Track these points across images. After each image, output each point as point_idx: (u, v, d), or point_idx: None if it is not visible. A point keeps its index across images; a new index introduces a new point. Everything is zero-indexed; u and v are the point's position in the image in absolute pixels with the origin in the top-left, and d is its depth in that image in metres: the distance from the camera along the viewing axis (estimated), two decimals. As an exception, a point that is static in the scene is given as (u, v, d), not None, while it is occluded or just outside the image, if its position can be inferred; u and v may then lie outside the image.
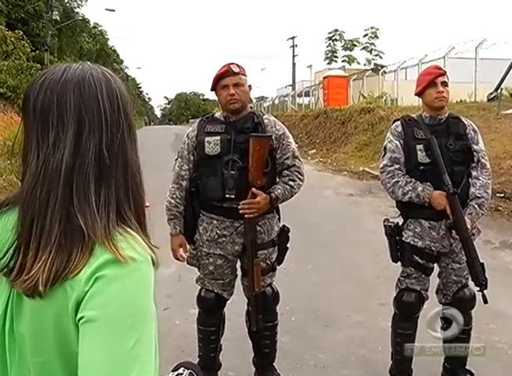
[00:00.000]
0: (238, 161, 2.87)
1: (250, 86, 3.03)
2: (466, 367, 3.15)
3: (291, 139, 3.09)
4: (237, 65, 2.95)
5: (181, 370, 1.08)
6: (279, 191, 2.96)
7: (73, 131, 0.92)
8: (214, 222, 2.98)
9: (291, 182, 3.00)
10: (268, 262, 3.04)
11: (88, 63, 1.00)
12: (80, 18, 35.40)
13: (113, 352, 0.83)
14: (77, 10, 35.76)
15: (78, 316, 0.87)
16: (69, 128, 0.91)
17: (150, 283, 0.92)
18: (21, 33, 22.58)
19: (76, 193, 0.90)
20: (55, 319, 0.90)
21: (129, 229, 0.94)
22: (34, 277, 0.88)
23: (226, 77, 2.90)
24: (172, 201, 3.03)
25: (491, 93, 15.59)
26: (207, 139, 2.94)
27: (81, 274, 0.88)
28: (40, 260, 0.89)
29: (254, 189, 2.84)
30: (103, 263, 0.88)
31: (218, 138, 2.91)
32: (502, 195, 8.09)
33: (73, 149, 0.91)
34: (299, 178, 3.03)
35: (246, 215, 2.87)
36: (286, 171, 3.01)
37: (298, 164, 3.05)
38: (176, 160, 3.07)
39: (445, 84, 2.98)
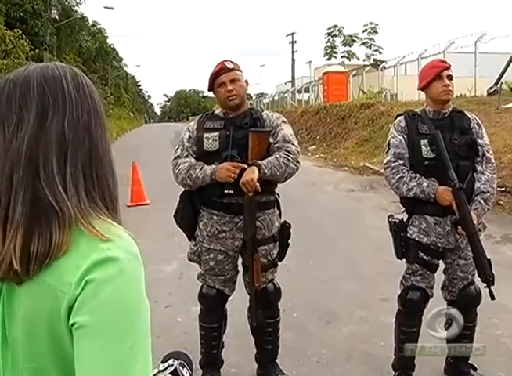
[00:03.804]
0: (236, 157, 2.86)
1: (246, 81, 3.04)
2: (470, 362, 3.15)
3: (285, 126, 3.01)
4: (231, 61, 2.96)
5: (171, 362, 1.08)
6: (265, 161, 2.84)
7: (37, 112, 0.93)
8: (214, 217, 2.97)
9: (280, 156, 2.87)
10: (269, 257, 3.03)
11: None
12: (79, 16, 35.30)
13: (112, 356, 0.83)
14: (75, 8, 35.64)
15: (71, 322, 0.86)
16: (31, 110, 0.93)
17: (141, 280, 0.91)
18: (20, 32, 22.48)
19: (42, 170, 0.91)
20: (47, 323, 0.89)
21: (114, 224, 0.94)
22: (5, 255, 0.88)
23: (222, 75, 2.90)
24: (185, 165, 2.93)
25: (491, 87, 15.57)
26: (205, 135, 2.94)
27: (70, 277, 0.86)
28: (8, 236, 0.88)
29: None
30: (92, 265, 0.86)
31: (217, 134, 2.91)
32: (503, 189, 8.07)
33: (36, 128, 0.92)
34: (288, 155, 2.88)
35: (248, 194, 2.80)
36: (276, 152, 2.91)
37: (289, 148, 2.92)
38: (176, 149, 3.06)
39: (450, 77, 2.96)
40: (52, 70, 0.97)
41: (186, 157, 2.98)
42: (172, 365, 1.06)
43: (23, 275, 0.88)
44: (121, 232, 0.93)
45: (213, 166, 2.86)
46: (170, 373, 1.05)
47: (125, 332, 0.85)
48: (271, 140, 2.94)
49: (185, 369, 1.08)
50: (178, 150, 3.04)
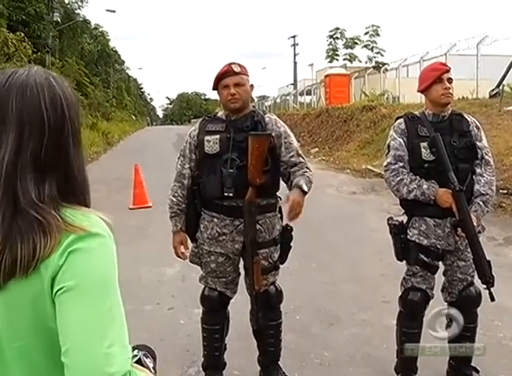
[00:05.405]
0: (236, 160, 2.87)
1: (252, 86, 3.03)
2: (472, 364, 3.14)
3: (293, 138, 3.08)
4: (239, 65, 2.95)
5: (135, 352, 1.14)
6: (303, 181, 2.92)
7: (16, 133, 0.99)
8: (215, 220, 2.98)
9: (307, 173, 2.98)
10: (270, 260, 3.03)
11: (36, 67, 1.07)
12: (81, 19, 35.43)
13: (92, 314, 0.93)
14: (77, 11, 35.77)
15: (55, 289, 0.94)
16: (11, 130, 0.99)
17: (115, 256, 1.01)
18: (22, 35, 22.49)
19: (20, 189, 0.97)
20: (31, 302, 0.96)
21: (86, 209, 1.04)
22: None
23: (227, 77, 2.90)
24: (174, 199, 3.05)
25: (493, 90, 15.58)
26: (206, 137, 2.95)
27: (52, 253, 0.94)
28: None
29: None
30: (75, 239, 0.96)
31: (218, 137, 2.92)
32: (505, 191, 8.05)
33: (14, 151, 0.98)
34: (310, 171, 3.01)
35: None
36: (295, 167, 2.99)
37: (304, 161, 3.04)
38: (178, 158, 3.08)
39: (450, 80, 2.97)
40: (31, 89, 1.01)
41: (184, 177, 3.04)
42: (136, 355, 1.13)
43: None
44: (94, 215, 1.03)
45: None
46: (135, 362, 1.11)
47: (104, 295, 0.96)
48: (282, 149, 2.97)
49: (148, 359, 1.16)
50: (180, 160, 3.08)
